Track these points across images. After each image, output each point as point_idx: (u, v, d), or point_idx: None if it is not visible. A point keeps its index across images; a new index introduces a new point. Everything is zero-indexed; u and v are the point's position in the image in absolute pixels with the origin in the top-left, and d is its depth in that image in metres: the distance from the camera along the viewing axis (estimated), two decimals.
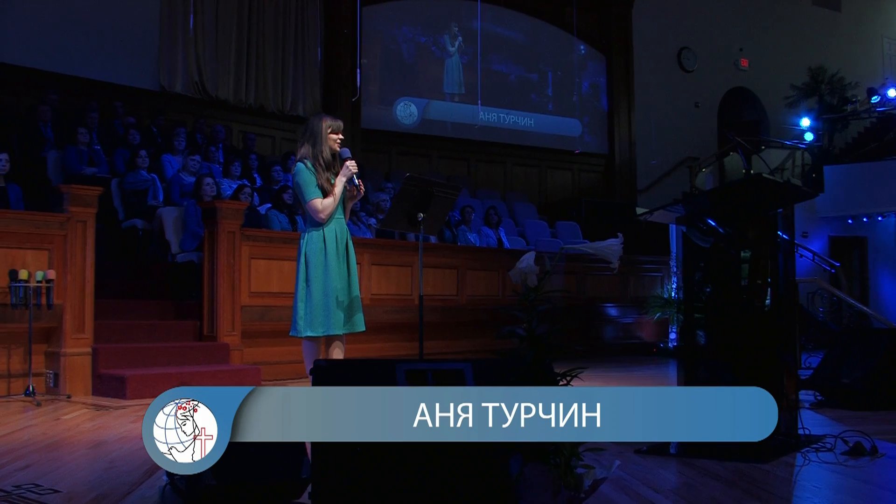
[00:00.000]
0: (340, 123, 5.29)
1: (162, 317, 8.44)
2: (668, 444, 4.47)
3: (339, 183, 5.15)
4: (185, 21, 12.74)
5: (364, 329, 5.30)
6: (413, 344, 8.85)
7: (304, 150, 5.20)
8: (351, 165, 5.18)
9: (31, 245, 7.04)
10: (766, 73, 18.98)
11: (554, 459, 2.74)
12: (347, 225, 5.28)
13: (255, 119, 13.66)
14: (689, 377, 4.58)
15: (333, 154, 5.20)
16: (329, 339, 5.24)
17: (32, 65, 11.36)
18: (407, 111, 15.51)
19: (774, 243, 4.68)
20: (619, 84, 17.49)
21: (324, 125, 5.19)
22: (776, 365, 4.63)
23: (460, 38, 15.94)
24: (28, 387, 6.74)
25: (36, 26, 11.42)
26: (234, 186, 9.71)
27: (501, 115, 16.44)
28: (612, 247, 2.94)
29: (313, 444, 3.00)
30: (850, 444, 4.43)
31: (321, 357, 5.29)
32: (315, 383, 3.08)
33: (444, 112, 15.86)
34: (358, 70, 12.78)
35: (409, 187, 5.29)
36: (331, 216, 5.14)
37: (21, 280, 6.80)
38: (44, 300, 6.94)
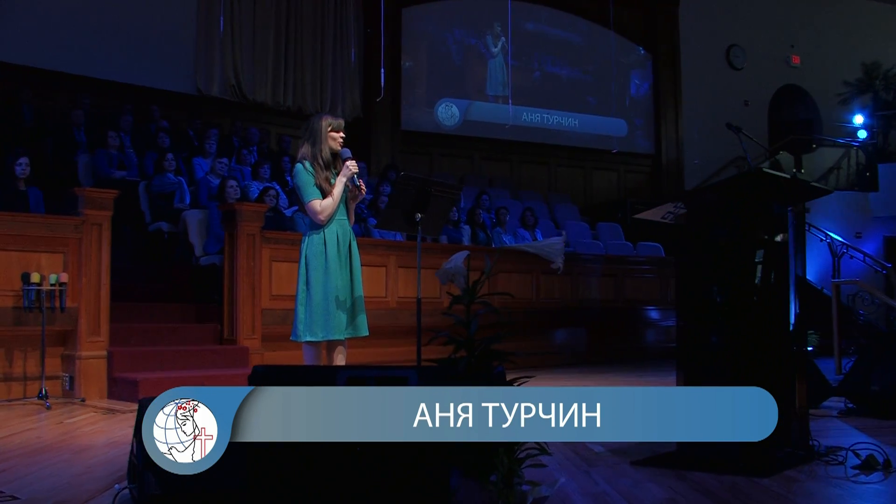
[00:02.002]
0: (341, 122, 5.18)
1: (183, 320, 8.41)
2: (667, 455, 4.24)
3: (339, 183, 5.03)
4: (221, 24, 12.76)
5: (367, 333, 5.15)
6: (438, 348, 8.65)
7: (304, 149, 5.11)
8: (351, 165, 5.06)
9: (45, 248, 7.04)
10: (818, 69, 18.40)
11: (493, 476, 2.55)
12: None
13: (294, 122, 13.62)
14: (690, 381, 4.33)
15: (334, 153, 5.09)
16: (331, 344, 5.10)
17: (68, 69, 11.50)
18: (448, 112, 15.39)
19: (784, 241, 4.42)
20: (666, 83, 17.17)
21: (324, 123, 5.09)
22: (785, 370, 4.37)
23: (503, 38, 15.76)
24: (41, 390, 6.74)
25: (72, 31, 11.55)
26: (262, 188, 9.65)
27: (545, 115, 16.22)
28: (554, 245, 2.76)
29: (248, 448, 2.88)
30: (863, 458, 4.15)
31: (322, 363, 5.17)
32: None
33: (486, 113, 15.69)
34: (382, 70, 12.66)
35: (404, 186, 5.14)
36: (331, 217, 5.01)
37: (33, 283, 6.79)
38: (57, 303, 6.93)
